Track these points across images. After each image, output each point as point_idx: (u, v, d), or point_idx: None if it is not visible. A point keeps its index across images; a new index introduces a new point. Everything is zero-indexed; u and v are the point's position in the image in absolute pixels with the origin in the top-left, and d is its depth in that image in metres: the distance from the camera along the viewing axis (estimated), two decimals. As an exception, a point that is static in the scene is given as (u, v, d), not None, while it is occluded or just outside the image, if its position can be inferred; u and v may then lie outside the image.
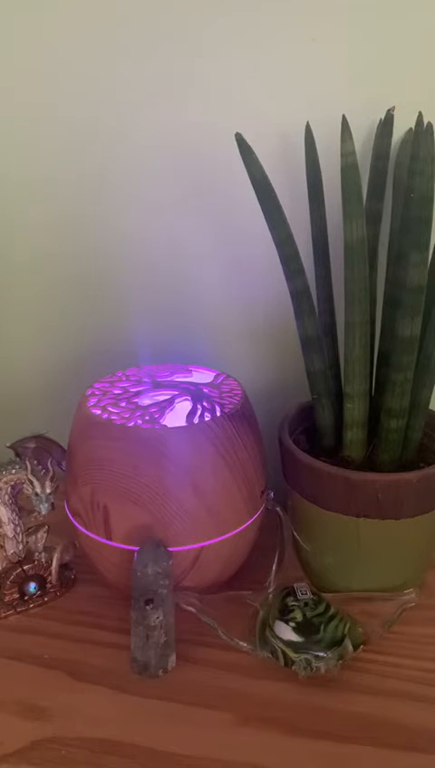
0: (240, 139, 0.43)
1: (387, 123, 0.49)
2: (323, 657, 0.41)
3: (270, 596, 0.46)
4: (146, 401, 0.46)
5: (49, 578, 0.49)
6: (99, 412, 0.44)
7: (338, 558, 0.47)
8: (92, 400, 0.46)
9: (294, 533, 0.49)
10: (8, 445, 0.48)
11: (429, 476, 0.43)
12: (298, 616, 0.43)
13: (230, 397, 0.47)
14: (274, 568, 0.48)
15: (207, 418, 0.43)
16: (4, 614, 0.47)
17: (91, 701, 0.41)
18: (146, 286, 0.59)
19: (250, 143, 0.43)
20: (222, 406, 0.45)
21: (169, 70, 0.52)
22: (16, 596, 0.48)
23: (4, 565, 0.48)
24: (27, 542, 0.49)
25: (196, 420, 0.43)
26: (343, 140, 0.41)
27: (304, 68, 0.50)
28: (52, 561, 0.49)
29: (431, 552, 0.49)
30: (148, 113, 0.53)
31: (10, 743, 0.38)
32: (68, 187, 0.57)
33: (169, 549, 0.43)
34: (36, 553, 0.49)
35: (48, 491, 0.47)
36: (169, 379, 0.50)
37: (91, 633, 0.46)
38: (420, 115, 0.46)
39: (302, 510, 0.47)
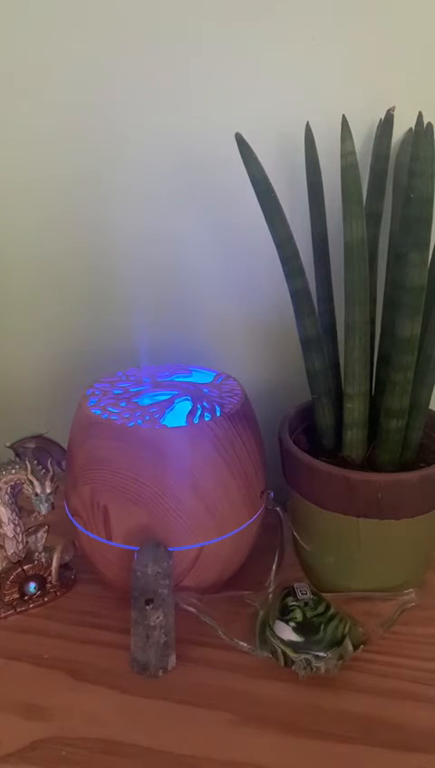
0: (240, 139, 0.43)
1: (387, 123, 0.49)
2: (323, 657, 0.41)
3: (270, 596, 0.46)
4: (146, 401, 0.46)
5: (49, 578, 0.49)
6: (99, 412, 0.44)
7: (338, 558, 0.47)
8: (92, 400, 0.46)
9: (294, 533, 0.49)
10: (8, 445, 0.48)
11: (429, 476, 0.43)
12: (298, 616, 0.43)
13: (230, 397, 0.47)
14: (274, 568, 0.48)
15: (207, 418, 0.43)
16: (4, 614, 0.47)
17: (91, 701, 0.41)
18: (146, 286, 0.59)
19: (250, 143, 0.43)
20: (222, 406, 0.45)
21: (170, 69, 0.52)
22: (16, 596, 0.48)
23: (4, 565, 0.48)
24: (27, 542, 0.49)
25: (196, 420, 0.43)
26: (342, 140, 0.41)
27: (304, 68, 0.50)
28: (52, 561, 0.49)
29: (431, 552, 0.49)
30: (148, 112, 0.53)
31: (10, 743, 0.38)
32: (67, 184, 0.57)
33: (169, 549, 0.43)
34: (36, 553, 0.49)
35: (48, 491, 0.47)
36: (169, 379, 0.50)
37: (91, 633, 0.46)
38: (420, 115, 0.46)
39: (302, 510, 0.47)
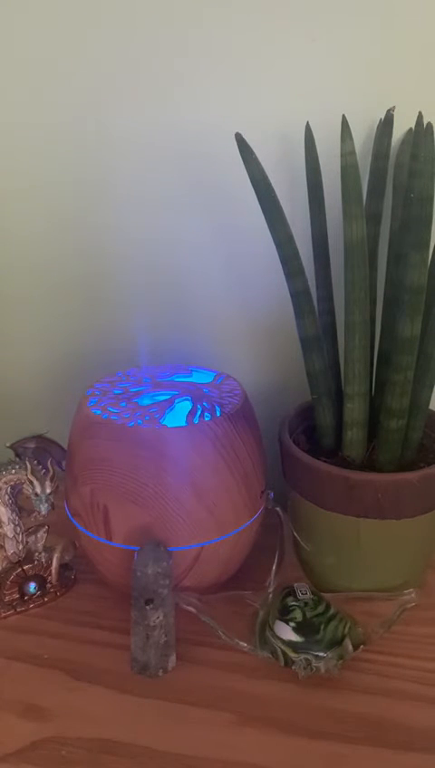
0: (240, 139, 0.43)
1: (387, 123, 0.49)
2: (323, 657, 0.41)
3: (270, 596, 0.46)
4: (146, 401, 0.46)
5: (49, 578, 0.49)
6: (99, 412, 0.44)
7: (338, 558, 0.47)
8: (92, 400, 0.46)
9: (294, 533, 0.49)
10: (8, 445, 0.48)
11: (429, 476, 0.43)
12: (298, 616, 0.43)
13: (230, 397, 0.47)
14: (274, 568, 0.48)
15: (207, 419, 0.43)
16: (4, 614, 0.47)
17: (90, 701, 0.41)
18: (146, 286, 0.59)
19: (250, 143, 0.43)
20: (222, 406, 0.45)
21: (170, 69, 0.52)
22: (16, 596, 0.48)
23: (4, 565, 0.48)
24: (27, 542, 0.49)
25: (196, 420, 0.43)
26: (342, 140, 0.41)
27: (305, 68, 0.50)
28: (52, 561, 0.49)
29: (431, 552, 0.49)
30: (148, 113, 0.53)
31: (10, 743, 0.38)
32: (67, 187, 0.57)
33: (169, 549, 0.43)
34: (36, 553, 0.49)
35: (48, 491, 0.47)
36: (169, 379, 0.50)
37: (91, 633, 0.46)
38: (420, 115, 0.46)
39: (302, 510, 0.47)
